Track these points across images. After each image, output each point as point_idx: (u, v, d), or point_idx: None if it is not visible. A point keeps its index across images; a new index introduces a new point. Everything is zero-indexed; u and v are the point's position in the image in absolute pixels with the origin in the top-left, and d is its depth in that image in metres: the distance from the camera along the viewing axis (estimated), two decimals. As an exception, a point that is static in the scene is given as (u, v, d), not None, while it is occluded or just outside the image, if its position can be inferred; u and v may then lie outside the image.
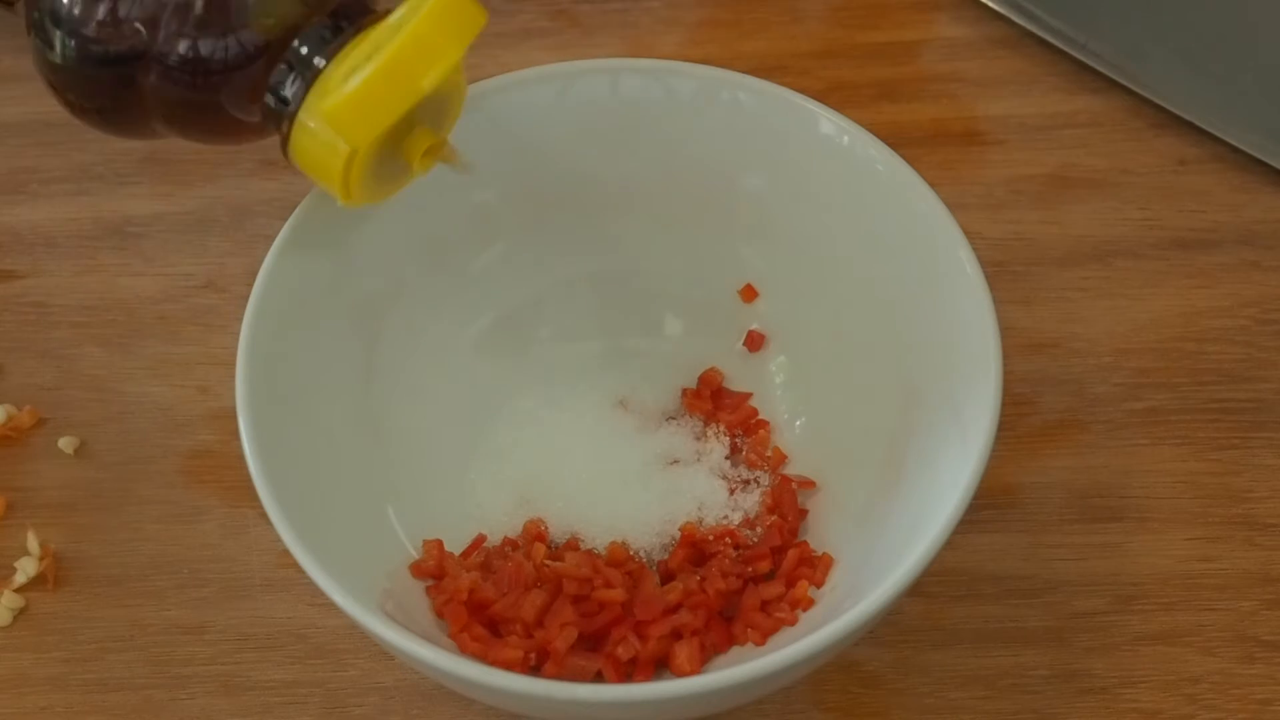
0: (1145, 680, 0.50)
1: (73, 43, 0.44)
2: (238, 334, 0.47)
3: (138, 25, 0.44)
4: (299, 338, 0.49)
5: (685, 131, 0.52)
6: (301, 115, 0.45)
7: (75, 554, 0.53)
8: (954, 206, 0.49)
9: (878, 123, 0.51)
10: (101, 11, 0.44)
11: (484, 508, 0.51)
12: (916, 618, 0.51)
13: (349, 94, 0.43)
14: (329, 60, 0.45)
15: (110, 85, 0.45)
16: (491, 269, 0.54)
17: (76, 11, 0.44)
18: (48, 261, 0.60)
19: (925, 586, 0.51)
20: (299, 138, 0.45)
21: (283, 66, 0.45)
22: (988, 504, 0.52)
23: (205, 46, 0.44)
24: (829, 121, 0.51)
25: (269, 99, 0.45)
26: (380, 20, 0.45)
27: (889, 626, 0.51)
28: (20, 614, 0.52)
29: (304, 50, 0.45)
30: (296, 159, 0.46)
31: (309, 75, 0.45)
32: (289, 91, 0.45)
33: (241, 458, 0.45)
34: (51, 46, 0.45)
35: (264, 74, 0.45)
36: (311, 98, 0.45)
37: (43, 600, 0.52)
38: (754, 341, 0.54)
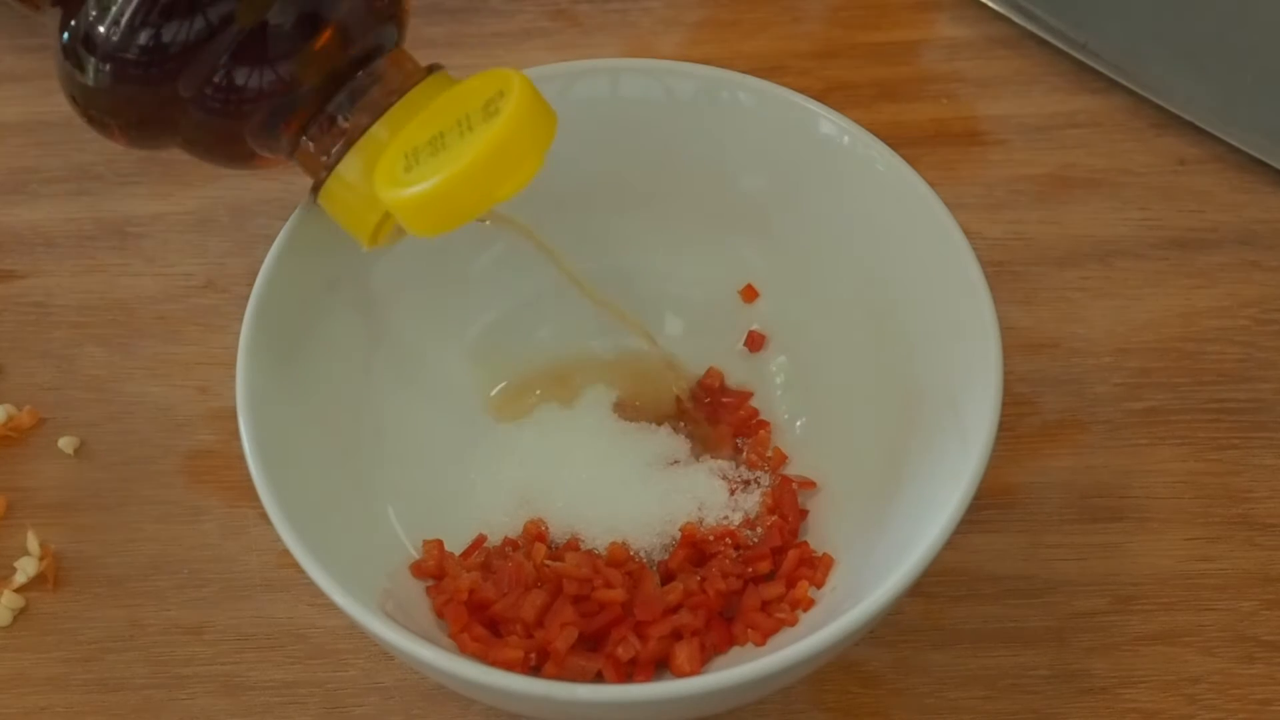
0: (1145, 680, 0.50)
1: (108, 67, 0.43)
2: (238, 334, 0.47)
3: (178, 54, 0.43)
4: (299, 338, 0.49)
5: (685, 131, 0.52)
6: (341, 169, 0.45)
7: (75, 554, 0.53)
8: (954, 206, 0.49)
9: (878, 123, 0.51)
10: (144, 38, 0.43)
11: (484, 508, 0.51)
12: (916, 618, 0.51)
13: (424, 193, 0.42)
14: (375, 119, 0.44)
15: (140, 108, 0.44)
16: (491, 269, 0.54)
17: (115, 39, 0.43)
18: (48, 261, 0.60)
19: (925, 586, 0.51)
20: (334, 188, 0.45)
21: (322, 117, 0.45)
22: (988, 504, 0.52)
23: (241, 77, 0.43)
24: (829, 121, 0.51)
25: (306, 143, 0.45)
26: (425, 79, 0.45)
27: (889, 626, 0.51)
28: (20, 614, 0.52)
29: (347, 104, 0.45)
30: (327, 206, 0.46)
31: (353, 133, 0.44)
32: (330, 145, 0.45)
33: (241, 458, 0.45)
34: (84, 70, 0.44)
35: (299, 114, 0.45)
36: (355, 158, 0.44)
37: (43, 600, 0.52)
38: (754, 341, 0.54)
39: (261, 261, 0.48)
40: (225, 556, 0.53)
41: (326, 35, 0.44)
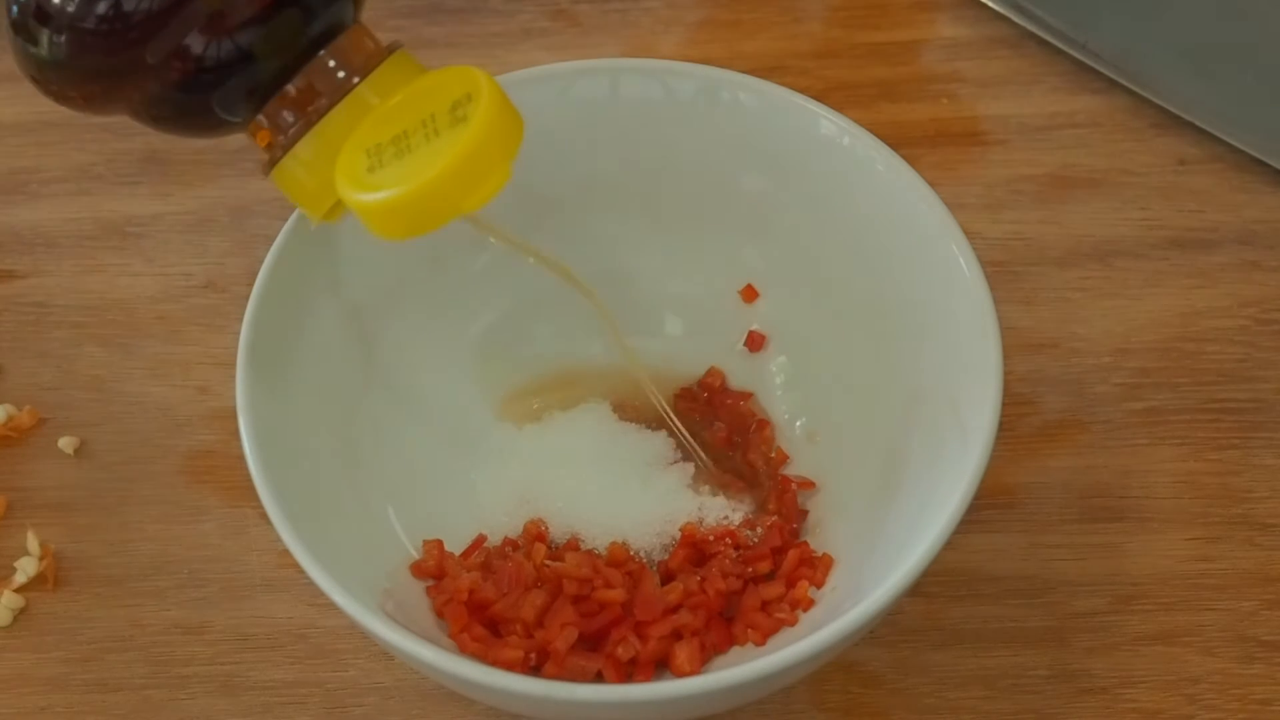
0: (1145, 680, 0.50)
1: (63, 39, 0.42)
2: (238, 334, 0.47)
3: (137, 23, 0.42)
4: (299, 338, 0.49)
5: (685, 131, 0.52)
6: (298, 148, 0.44)
7: (75, 554, 0.53)
8: (954, 206, 0.49)
9: (878, 123, 0.51)
10: (103, 7, 0.41)
11: (484, 508, 0.51)
12: (916, 618, 0.51)
13: (389, 201, 0.41)
14: (336, 101, 0.43)
15: (96, 81, 0.43)
16: (491, 269, 0.54)
17: (70, 9, 0.41)
18: (48, 261, 0.60)
19: (925, 586, 0.51)
20: (289, 167, 0.44)
21: (281, 95, 0.44)
22: (988, 504, 0.52)
23: (198, 46, 0.42)
24: (829, 121, 0.51)
25: (261, 119, 0.44)
26: (387, 60, 0.44)
27: (889, 626, 0.51)
28: (20, 614, 0.52)
29: (307, 83, 0.44)
30: (279, 183, 0.45)
31: (313, 115, 0.43)
32: (287, 125, 0.44)
33: (241, 458, 0.45)
34: (37, 43, 0.42)
35: (257, 90, 0.44)
36: (314, 138, 0.43)
37: (43, 600, 0.52)
38: (754, 341, 0.54)
39: (261, 261, 0.48)
40: (225, 556, 0.53)
41: (286, 8, 0.43)
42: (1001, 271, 0.58)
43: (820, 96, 0.51)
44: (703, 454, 0.52)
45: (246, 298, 0.47)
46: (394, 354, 0.52)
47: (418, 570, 0.49)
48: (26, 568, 0.52)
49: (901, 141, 0.51)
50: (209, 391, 0.56)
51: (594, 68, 0.52)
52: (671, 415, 0.52)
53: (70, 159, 0.62)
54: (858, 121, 0.50)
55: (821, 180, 0.51)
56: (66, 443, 0.55)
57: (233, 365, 0.46)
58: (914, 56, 0.65)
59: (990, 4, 0.65)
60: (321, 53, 0.44)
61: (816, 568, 0.49)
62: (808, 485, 0.51)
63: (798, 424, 0.53)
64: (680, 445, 0.52)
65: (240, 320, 0.47)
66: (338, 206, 0.44)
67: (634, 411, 0.53)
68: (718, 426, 0.53)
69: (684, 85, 0.52)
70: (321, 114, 0.43)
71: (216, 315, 0.58)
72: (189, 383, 0.56)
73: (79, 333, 0.58)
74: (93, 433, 0.55)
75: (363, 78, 0.44)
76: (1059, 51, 0.64)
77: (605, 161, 0.53)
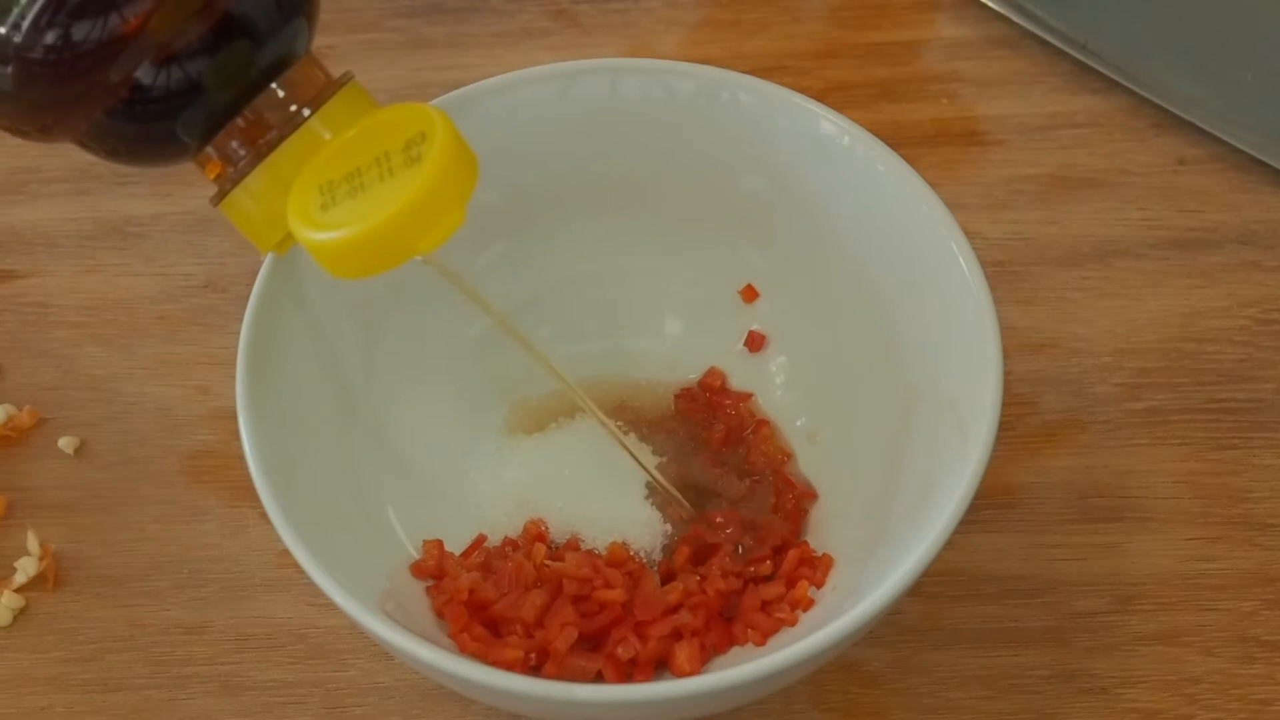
0: (1145, 680, 0.50)
1: (10, 70, 0.41)
2: (238, 334, 0.47)
3: (85, 54, 0.41)
4: (299, 338, 0.49)
5: (685, 131, 0.52)
6: (248, 180, 0.43)
7: (75, 554, 0.53)
8: (954, 206, 0.49)
9: (878, 123, 0.51)
10: (50, 38, 0.40)
11: (484, 508, 0.51)
12: (916, 618, 0.51)
13: (342, 240, 0.41)
14: (286, 134, 0.43)
15: (46, 110, 0.42)
16: (491, 269, 0.54)
17: (17, 39, 0.40)
18: (48, 261, 0.60)
19: (925, 586, 0.51)
20: (239, 199, 0.44)
21: (231, 128, 0.43)
22: (988, 504, 0.53)
23: (147, 77, 0.42)
24: (829, 121, 0.51)
25: (210, 152, 0.44)
26: (338, 92, 0.43)
27: (889, 626, 0.51)
28: (20, 614, 0.52)
29: (257, 116, 0.43)
30: (229, 214, 0.45)
31: (263, 148, 0.43)
32: (237, 157, 0.43)
33: (241, 458, 0.45)
34: None
35: (207, 123, 0.43)
36: (265, 171, 0.43)
37: (43, 600, 0.52)
38: (754, 341, 0.54)
39: (261, 261, 0.48)
40: (225, 556, 0.53)
41: (236, 39, 0.42)
42: (1001, 271, 0.58)
43: (820, 96, 0.51)
44: (656, 473, 0.51)
45: (246, 298, 0.47)
46: (394, 353, 0.52)
47: (418, 570, 0.49)
48: (26, 568, 0.52)
49: (901, 141, 0.51)
50: (209, 391, 0.56)
51: (594, 68, 0.52)
52: (620, 436, 0.51)
53: (70, 159, 0.62)
54: (858, 121, 0.50)
55: (821, 180, 0.51)
56: (66, 443, 0.55)
57: (233, 365, 0.46)
58: (914, 56, 0.65)
59: (990, 4, 0.65)
60: (272, 85, 0.43)
61: (816, 568, 0.49)
62: (808, 496, 0.51)
63: (798, 424, 0.53)
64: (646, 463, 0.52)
65: (240, 320, 0.47)
66: (287, 239, 0.44)
67: (633, 413, 0.53)
68: (717, 427, 0.53)
69: (684, 85, 0.52)
70: (272, 146, 0.43)
71: (216, 315, 0.58)
72: (189, 383, 0.56)
73: (79, 333, 0.58)
74: (93, 433, 0.55)
75: (314, 110, 0.43)
76: (1059, 51, 0.64)
77: (605, 161, 0.53)
